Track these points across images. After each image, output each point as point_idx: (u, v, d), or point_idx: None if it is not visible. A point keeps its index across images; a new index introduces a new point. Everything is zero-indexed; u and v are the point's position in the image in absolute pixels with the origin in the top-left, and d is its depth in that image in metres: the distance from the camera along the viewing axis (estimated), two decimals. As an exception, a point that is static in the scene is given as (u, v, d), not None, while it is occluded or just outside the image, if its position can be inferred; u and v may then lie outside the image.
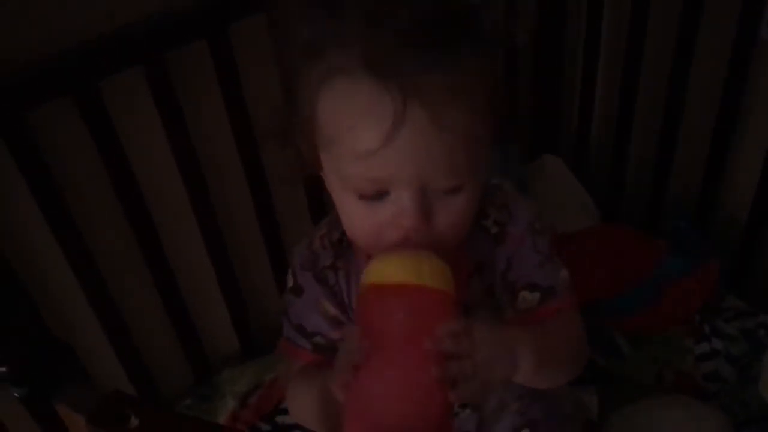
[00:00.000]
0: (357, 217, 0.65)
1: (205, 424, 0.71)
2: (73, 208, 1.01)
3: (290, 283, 0.76)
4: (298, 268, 0.75)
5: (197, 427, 0.60)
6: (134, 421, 0.57)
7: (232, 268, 1.24)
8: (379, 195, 0.63)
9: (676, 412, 1.10)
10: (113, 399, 0.60)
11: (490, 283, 0.72)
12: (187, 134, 1.08)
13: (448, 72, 0.59)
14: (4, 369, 0.64)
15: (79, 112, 0.97)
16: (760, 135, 1.26)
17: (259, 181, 1.20)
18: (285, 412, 1.20)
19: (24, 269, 1.00)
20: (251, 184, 1.19)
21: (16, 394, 0.65)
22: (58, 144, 0.98)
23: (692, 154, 1.38)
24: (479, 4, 0.61)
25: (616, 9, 1.42)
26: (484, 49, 0.62)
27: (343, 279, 0.73)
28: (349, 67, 0.59)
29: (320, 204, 1.30)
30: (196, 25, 1.02)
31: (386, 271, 0.60)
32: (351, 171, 0.62)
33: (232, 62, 1.07)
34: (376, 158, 0.60)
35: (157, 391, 1.22)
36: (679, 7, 1.26)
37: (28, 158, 0.94)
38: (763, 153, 1.26)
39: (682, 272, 1.32)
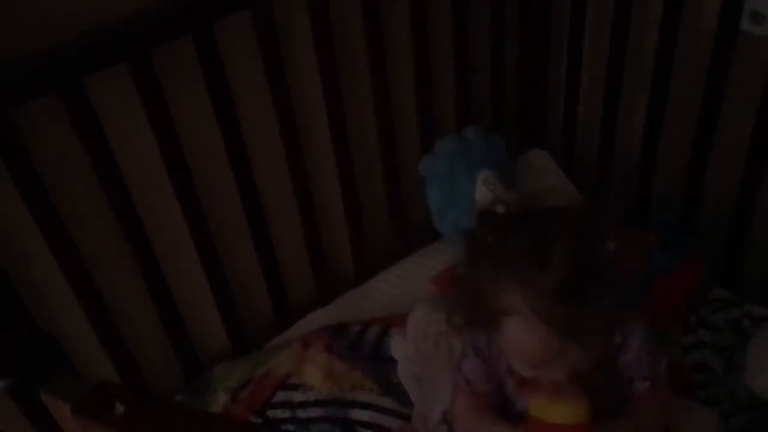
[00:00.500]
0: (518, 366, 0.92)
1: (190, 411, 0.72)
2: (60, 205, 1.01)
3: (462, 347, 1.03)
4: (466, 340, 1.02)
5: (182, 414, 0.61)
6: (120, 409, 0.58)
7: (221, 266, 1.24)
8: None
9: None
10: (99, 388, 0.61)
11: (610, 376, 0.97)
12: (174, 130, 1.08)
13: (595, 312, 0.83)
14: (-10, 361, 0.64)
15: (65, 109, 0.97)
16: (744, 127, 1.27)
17: (247, 178, 1.20)
18: (276, 406, 1.21)
19: (12, 267, 1.00)
20: (238, 180, 1.20)
21: (2, 385, 0.65)
22: (43, 141, 0.99)
23: (677, 148, 1.39)
24: (611, 257, 0.84)
25: (600, 5, 1.44)
26: (615, 289, 0.85)
27: (495, 354, 0.98)
28: (523, 311, 0.83)
29: (309, 205, 1.31)
30: (181, 21, 1.02)
31: (547, 411, 0.89)
32: (516, 360, 0.92)
33: (217, 58, 1.08)
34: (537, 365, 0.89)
35: (148, 389, 1.22)
36: (661, 0, 1.28)
37: (13, 155, 0.94)
38: (747, 145, 1.27)
39: (670, 267, 1.33)
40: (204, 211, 1.18)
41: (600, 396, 0.91)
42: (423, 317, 1.16)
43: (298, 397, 1.21)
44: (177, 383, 1.28)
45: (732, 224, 1.36)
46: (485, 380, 1.00)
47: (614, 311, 0.86)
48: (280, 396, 1.22)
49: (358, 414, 1.18)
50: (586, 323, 0.83)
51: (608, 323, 0.88)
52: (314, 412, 1.19)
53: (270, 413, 1.20)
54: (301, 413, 1.19)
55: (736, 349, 1.23)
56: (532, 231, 0.84)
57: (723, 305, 1.31)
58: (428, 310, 1.16)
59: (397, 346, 1.20)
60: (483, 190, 1.36)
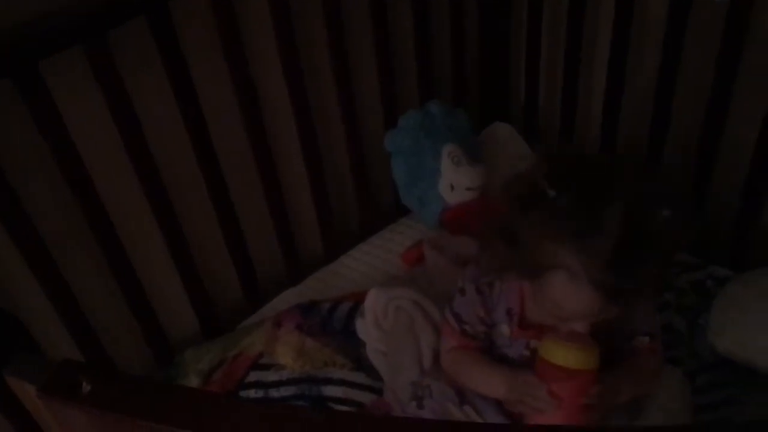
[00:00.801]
0: (540, 314, 0.94)
1: (157, 385, 0.71)
2: (20, 190, 0.99)
3: (460, 284, 1.02)
4: (467, 277, 1.01)
5: (150, 389, 0.61)
6: (86, 387, 0.57)
7: (188, 249, 1.23)
8: None
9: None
10: (64, 367, 0.60)
11: (615, 328, 0.97)
12: (133, 112, 1.07)
13: (644, 277, 0.85)
14: (-48, 346, 0.63)
15: (20, 94, 0.95)
16: (700, 93, 1.29)
17: (210, 159, 1.19)
18: (248, 386, 1.21)
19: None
20: (201, 162, 1.19)
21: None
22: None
23: (636, 114, 1.41)
24: (664, 229, 0.84)
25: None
26: (663, 257, 0.87)
27: (496, 295, 0.99)
28: (573, 269, 0.83)
29: (275, 184, 1.31)
30: (135, 2, 1.01)
31: (560, 356, 0.91)
32: (545, 311, 0.91)
33: (173, 38, 1.06)
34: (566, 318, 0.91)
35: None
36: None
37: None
38: (704, 110, 1.29)
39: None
40: (168, 194, 1.16)
41: (603, 346, 0.92)
42: (379, 296, 1.15)
43: (270, 376, 1.21)
44: (148, 369, 1.27)
45: (693, 190, 1.38)
46: (478, 322, 1.00)
47: (659, 275, 0.88)
48: (253, 376, 1.22)
49: (330, 390, 1.19)
50: (634, 287, 0.84)
51: (652, 287, 0.90)
52: (287, 391, 1.19)
53: (243, 394, 1.20)
54: (274, 393, 1.20)
55: (700, 310, 1.25)
56: (593, 189, 0.84)
57: (686, 268, 1.33)
58: (383, 290, 1.16)
59: (361, 328, 1.20)
60: (448, 163, 1.37)
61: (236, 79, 1.17)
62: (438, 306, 1.11)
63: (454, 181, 1.37)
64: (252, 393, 1.20)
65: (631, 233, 0.81)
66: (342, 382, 1.19)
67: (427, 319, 1.11)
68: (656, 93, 1.33)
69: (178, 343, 1.29)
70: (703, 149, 1.32)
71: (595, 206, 0.82)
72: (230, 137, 1.22)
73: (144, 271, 1.20)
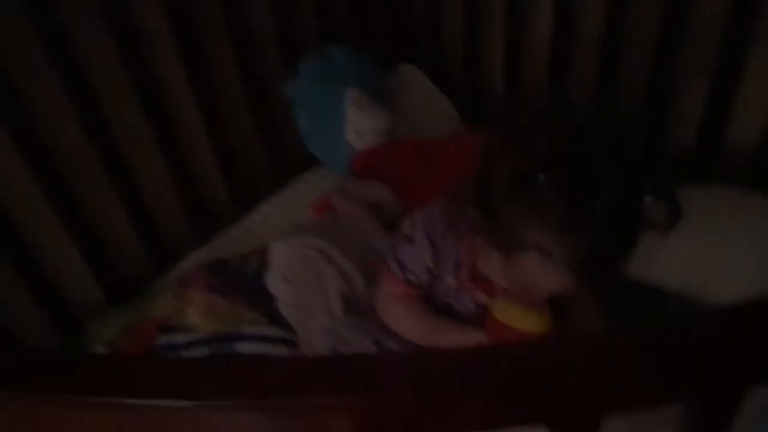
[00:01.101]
0: (498, 277, 0.92)
1: (43, 355, 0.66)
2: None
3: (406, 230, 0.99)
4: (418, 225, 0.98)
5: (36, 360, 0.56)
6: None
7: (83, 214, 1.17)
8: None
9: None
10: None
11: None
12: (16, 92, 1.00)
13: (621, 265, 0.86)
14: None
15: None
16: (600, 23, 1.29)
17: (100, 119, 1.13)
18: (159, 350, 1.16)
19: None
20: (90, 124, 1.12)
21: None
22: None
23: (537, 56, 1.40)
24: (648, 218, 0.83)
25: None
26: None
27: (447, 246, 0.96)
28: (552, 254, 0.82)
29: (175, 144, 1.25)
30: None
31: (517, 319, 0.90)
32: (521, 281, 0.88)
33: (57, 23, 0.99)
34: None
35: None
36: None
37: None
38: (602, 43, 1.29)
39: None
40: (56, 155, 1.10)
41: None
42: (281, 248, 1.11)
43: (181, 338, 1.17)
44: (52, 343, 1.21)
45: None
46: (424, 271, 0.98)
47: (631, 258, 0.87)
48: (163, 339, 1.17)
49: (244, 347, 1.15)
50: (610, 274, 0.87)
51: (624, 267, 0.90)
52: (200, 351, 1.15)
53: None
54: (186, 354, 1.16)
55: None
56: (582, 178, 0.81)
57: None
58: (285, 241, 1.12)
59: (269, 282, 1.17)
60: (352, 108, 1.34)
61: (122, 46, 1.11)
62: (344, 252, 1.09)
63: (360, 126, 1.34)
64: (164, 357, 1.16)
65: (616, 225, 0.81)
66: (255, 338, 1.16)
67: (332, 265, 1.09)
68: (554, 35, 1.33)
69: (82, 315, 1.23)
70: (601, 88, 1.33)
71: (586, 199, 0.80)
72: (119, 92, 1.15)
73: (39, 241, 1.13)
